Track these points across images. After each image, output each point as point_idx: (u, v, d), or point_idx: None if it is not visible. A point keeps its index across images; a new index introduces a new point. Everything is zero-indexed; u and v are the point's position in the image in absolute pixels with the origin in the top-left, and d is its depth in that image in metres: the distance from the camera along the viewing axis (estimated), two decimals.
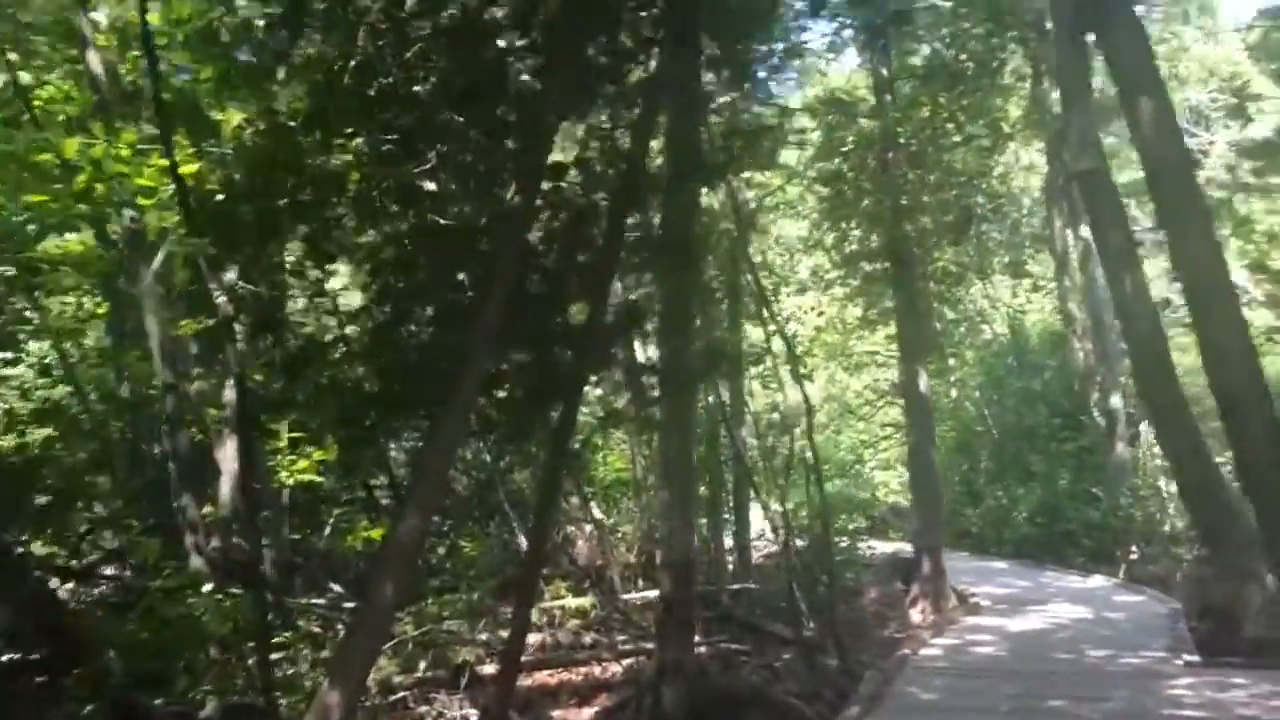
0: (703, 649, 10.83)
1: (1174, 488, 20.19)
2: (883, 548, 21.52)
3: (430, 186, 7.24)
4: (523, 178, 6.64)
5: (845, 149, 16.84)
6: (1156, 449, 19.76)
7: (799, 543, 15.17)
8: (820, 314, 28.41)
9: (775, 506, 14.69)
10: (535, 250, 7.45)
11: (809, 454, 13.56)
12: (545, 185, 6.95)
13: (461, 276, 7.36)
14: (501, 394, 7.84)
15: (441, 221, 7.20)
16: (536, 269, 7.45)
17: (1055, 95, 20.51)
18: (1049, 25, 20.12)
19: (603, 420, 14.86)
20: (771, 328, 16.08)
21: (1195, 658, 9.99)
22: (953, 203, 28.80)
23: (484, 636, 10.89)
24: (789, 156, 25.30)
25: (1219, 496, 11.20)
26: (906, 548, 20.59)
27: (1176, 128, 10.62)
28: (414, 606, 10.73)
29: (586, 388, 9.51)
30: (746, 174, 22.66)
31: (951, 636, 12.03)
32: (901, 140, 16.44)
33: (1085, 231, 20.42)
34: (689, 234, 8.89)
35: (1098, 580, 16.96)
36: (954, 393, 25.91)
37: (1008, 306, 27.41)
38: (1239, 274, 24.72)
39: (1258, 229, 26.93)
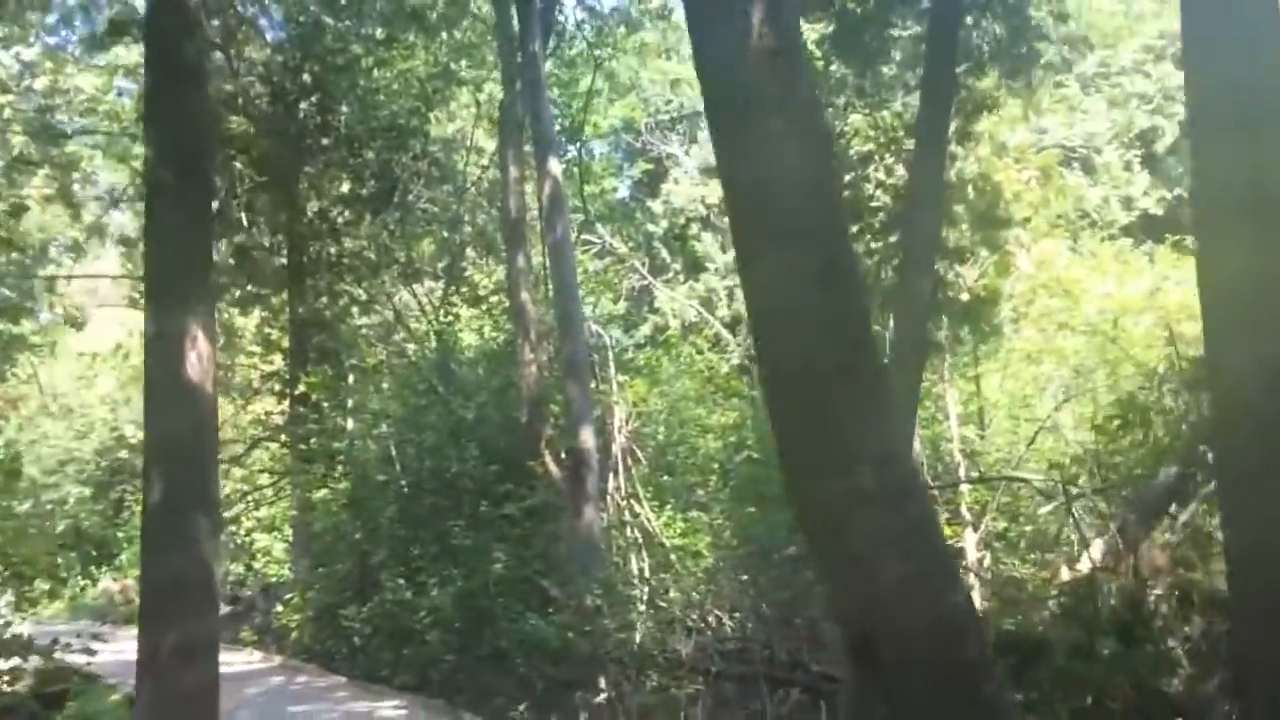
0: None
1: (648, 570, 13.61)
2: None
3: None
4: None
5: None
6: (639, 510, 13.03)
7: None
8: None
9: None
10: None
11: None
12: None
13: None
14: None
15: None
16: None
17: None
18: None
19: None
20: None
21: None
22: (373, 164, 21.05)
23: None
24: None
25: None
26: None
27: None
28: None
29: None
30: None
31: None
32: None
33: (555, 168, 13.38)
34: None
35: None
36: (351, 424, 17.27)
37: (440, 309, 19.80)
38: None
39: None
